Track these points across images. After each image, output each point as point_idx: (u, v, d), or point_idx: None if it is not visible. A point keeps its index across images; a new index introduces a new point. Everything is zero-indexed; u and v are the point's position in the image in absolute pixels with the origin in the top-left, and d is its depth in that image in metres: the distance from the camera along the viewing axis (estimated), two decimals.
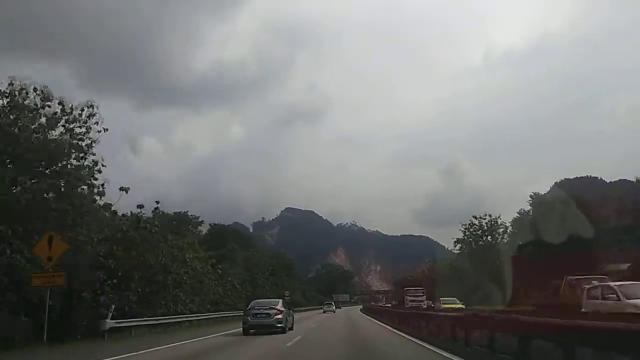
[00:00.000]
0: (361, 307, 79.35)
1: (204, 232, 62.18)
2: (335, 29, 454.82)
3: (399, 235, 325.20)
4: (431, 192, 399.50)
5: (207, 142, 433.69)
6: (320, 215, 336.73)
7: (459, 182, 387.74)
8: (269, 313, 21.72)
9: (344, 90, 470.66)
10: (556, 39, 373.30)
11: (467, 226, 69.21)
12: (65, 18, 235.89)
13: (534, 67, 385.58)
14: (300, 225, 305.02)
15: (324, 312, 59.99)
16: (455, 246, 71.87)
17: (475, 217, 69.59)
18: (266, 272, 60.38)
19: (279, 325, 21.52)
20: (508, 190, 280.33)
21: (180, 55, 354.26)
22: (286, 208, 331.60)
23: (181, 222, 49.66)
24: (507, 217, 74.81)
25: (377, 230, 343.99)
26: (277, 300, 24.37)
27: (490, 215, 69.13)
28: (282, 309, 22.71)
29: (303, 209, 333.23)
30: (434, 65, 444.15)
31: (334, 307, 67.80)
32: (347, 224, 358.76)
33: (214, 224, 71.47)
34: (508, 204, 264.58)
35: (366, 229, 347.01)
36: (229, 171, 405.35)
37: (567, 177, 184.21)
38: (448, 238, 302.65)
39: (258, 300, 24.94)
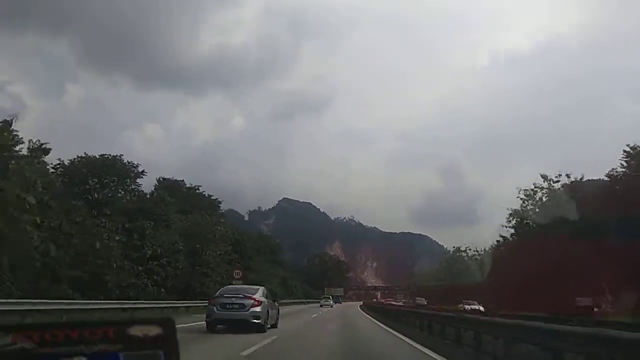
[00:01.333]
0: (361, 303, 75.11)
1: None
2: (343, 19, 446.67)
3: (397, 232, 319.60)
4: (431, 191, 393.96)
5: (206, 127, 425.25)
6: (318, 207, 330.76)
7: (459, 182, 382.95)
8: (242, 304, 15.85)
9: (349, 83, 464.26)
10: (562, 41, 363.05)
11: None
12: None
13: (538, 68, 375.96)
14: (297, 217, 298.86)
15: (321, 305, 58.05)
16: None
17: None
18: (220, 243, 42.32)
19: (255, 320, 15.88)
20: (505, 192, 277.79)
21: (184, 37, 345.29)
22: (284, 198, 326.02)
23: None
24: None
25: (375, 227, 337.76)
26: (257, 287, 18.20)
27: None
28: (262, 299, 16.67)
29: (301, 200, 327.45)
30: (440, 62, 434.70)
31: (331, 302, 64.55)
32: (344, 218, 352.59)
33: (163, 179, 53.01)
34: (506, 205, 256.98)
35: (364, 224, 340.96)
36: (227, 158, 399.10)
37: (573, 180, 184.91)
38: (447, 238, 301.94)
39: (230, 286, 18.96)
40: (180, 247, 35.66)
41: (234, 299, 16.15)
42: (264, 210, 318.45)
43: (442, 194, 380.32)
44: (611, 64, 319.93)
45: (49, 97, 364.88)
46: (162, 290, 31.76)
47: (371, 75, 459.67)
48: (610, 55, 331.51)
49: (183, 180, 55.10)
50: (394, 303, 64.62)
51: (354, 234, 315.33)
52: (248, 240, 65.93)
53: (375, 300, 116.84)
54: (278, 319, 19.14)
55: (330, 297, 69.10)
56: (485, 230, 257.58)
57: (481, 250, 74.30)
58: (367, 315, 35.15)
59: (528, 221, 46.98)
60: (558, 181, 46.58)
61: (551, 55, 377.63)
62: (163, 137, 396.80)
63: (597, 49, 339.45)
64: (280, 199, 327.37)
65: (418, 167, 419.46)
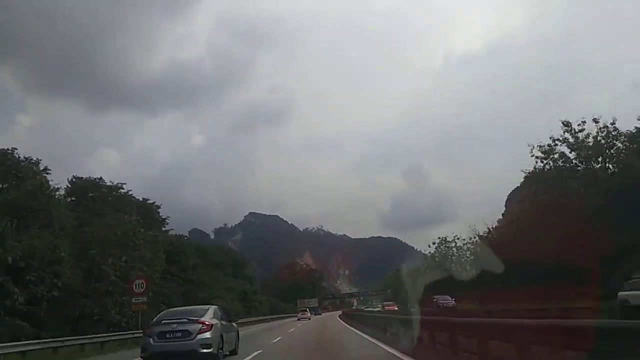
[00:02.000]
0: (339, 312, 72.43)
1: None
2: (297, 26, 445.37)
3: (367, 237, 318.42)
4: (398, 194, 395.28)
5: (164, 147, 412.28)
6: (285, 220, 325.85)
7: (425, 183, 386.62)
8: (187, 330, 12.17)
9: (308, 91, 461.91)
10: (513, 39, 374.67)
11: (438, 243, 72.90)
12: (8, 16, 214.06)
13: (491, 67, 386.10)
14: (265, 230, 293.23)
15: (298, 319, 57.33)
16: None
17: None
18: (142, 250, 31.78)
19: (205, 350, 12.39)
20: (471, 190, 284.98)
21: (134, 55, 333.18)
22: (250, 213, 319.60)
23: None
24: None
25: (344, 234, 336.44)
26: (206, 307, 14.50)
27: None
28: (213, 321, 13.05)
29: (268, 213, 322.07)
30: (398, 64, 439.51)
31: (308, 314, 63.68)
32: (313, 228, 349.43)
33: (76, 178, 39.76)
34: (471, 204, 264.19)
35: (333, 233, 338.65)
36: (188, 177, 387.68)
37: (539, 169, 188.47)
38: (417, 239, 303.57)
39: (171, 310, 15.35)
40: (63, 254, 24.47)
41: (175, 325, 12.60)
42: (230, 227, 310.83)
43: (409, 196, 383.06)
44: (564, 59, 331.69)
45: None
46: (25, 322, 20.97)
47: (331, 82, 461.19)
48: (562, 50, 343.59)
49: (102, 178, 40.81)
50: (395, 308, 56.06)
51: (324, 243, 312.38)
52: (202, 252, 60.55)
53: (354, 307, 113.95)
54: (238, 342, 15.63)
55: (307, 310, 67.43)
56: (455, 229, 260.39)
57: (473, 237, 63.42)
58: (355, 330, 26.29)
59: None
60: (582, 129, 37.63)
61: (503, 54, 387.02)
62: (119, 160, 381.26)
63: (548, 46, 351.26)
64: (246, 214, 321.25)
65: (384, 171, 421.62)
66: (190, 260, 46.86)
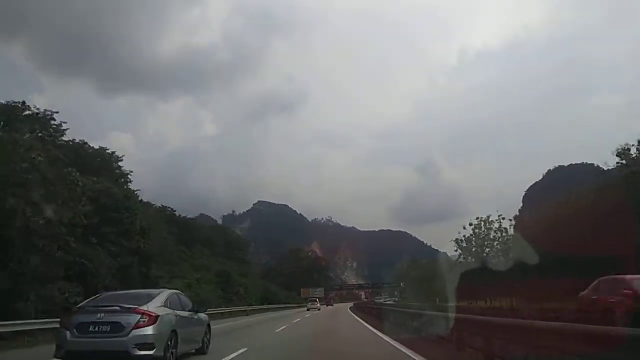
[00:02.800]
0: (351, 304, 68.94)
1: None
2: (313, 16, 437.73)
3: (376, 230, 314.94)
4: (408, 188, 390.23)
5: (173, 131, 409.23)
6: (294, 209, 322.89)
7: (436, 178, 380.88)
8: (118, 323, 8.18)
9: (321, 82, 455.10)
10: (529, 34, 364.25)
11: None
12: None
13: (507, 62, 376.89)
14: (273, 219, 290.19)
15: (308, 309, 55.52)
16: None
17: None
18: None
19: (142, 352, 8.68)
20: (482, 185, 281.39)
21: (148, 38, 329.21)
22: (258, 201, 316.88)
23: None
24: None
25: (353, 227, 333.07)
26: (156, 292, 10.65)
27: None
28: (159, 311, 9.13)
29: (277, 202, 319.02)
30: (413, 59, 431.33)
31: (318, 304, 60.86)
32: (322, 219, 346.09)
33: None
34: (483, 199, 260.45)
35: (342, 224, 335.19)
36: (198, 163, 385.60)
37: (560, 165, 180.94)
38: (426, 234, 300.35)
39: (111, 293, 11.61)
40: None
41: (101, 315, 8.75)
42: (238, 214, 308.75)
43: (419, 190, 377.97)
44: (580, 54, 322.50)
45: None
46: None
47: (344, 73, 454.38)
48: (578, 45, 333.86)
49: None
50: None
51: (332, 234, 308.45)
52: (180, 224, 56.22)
53: (366, 299, 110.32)
54: (208, 340, 11.78)
55: (317, 300, 64.49)
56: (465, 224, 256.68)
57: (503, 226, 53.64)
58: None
59: None
60: None
61: (519, 50, 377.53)
62: (129, 143, 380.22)
63: (564, 41, 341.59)
64: (255, 201, 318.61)
65: (395, 165, 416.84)
66: (136, 222, 32.49)
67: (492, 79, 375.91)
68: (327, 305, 69.53)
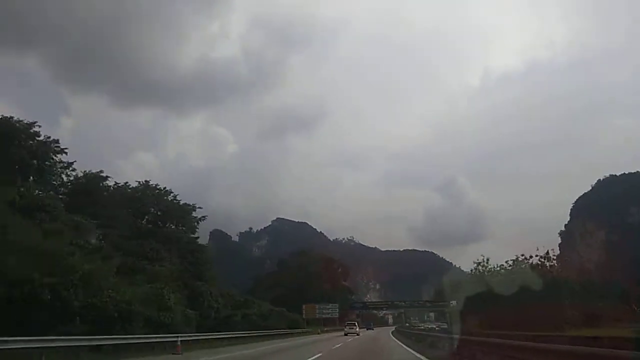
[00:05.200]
0: (392, 329, 65.12)
1: None
2: (332, 34, 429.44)
3: (401, 250, 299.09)
4: (431, 210, 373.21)
5: (190, 147, 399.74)
6: (314, 227, 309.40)
7: (459, 200, 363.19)
8: None
9: (338, 102, 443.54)
10: (553, 58, 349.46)
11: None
12: (34, 5, 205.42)
13: (529, 86, 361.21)
14: (293, 237, 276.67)
15: (346, 334, 50.81)
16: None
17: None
18: None
19: None
20: (506, 208, 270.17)
21: (163, 51, 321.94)
22: (277, 218, 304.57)
23: None
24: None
25: (376, 247, 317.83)
26: None
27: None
28: None
29: (296, 220, 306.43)
30: (432, 81, 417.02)
31: (357, 329, 53.99)
32: (344, 239, 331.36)
33: None
34: (506, 222, 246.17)
35: (364, 244, 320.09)
36: (213, 180, 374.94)
37: (612, 174, 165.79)
38: (454, 256, 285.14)
39: None
40: None
41: None
42: (255, 231, 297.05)
43: (443, 212, 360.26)
44: (603, 78, 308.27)
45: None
46: None
47: (362, 95, 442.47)
48: (602, 69, 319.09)
49: None
50: None
51: (355, 255, 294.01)
52: None
53: (390, 323, 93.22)
54: None
55: (356, 324, 57.03)
56: (491, 247, 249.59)
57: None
58: None
59: None
60: None
61: (541, 73, 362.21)
62: (145, 160, 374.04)
63: (587, 65, 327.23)
64: (274, 218, 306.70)
65: (417, 187, 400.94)
66: None
67: (515, 99, 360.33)
68: (368, 329, 64.40)
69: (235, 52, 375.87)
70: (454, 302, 75.05)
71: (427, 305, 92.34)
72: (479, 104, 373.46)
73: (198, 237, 56.17)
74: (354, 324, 54.87)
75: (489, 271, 59.16)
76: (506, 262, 58.95)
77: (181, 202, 54.77)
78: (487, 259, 61.69)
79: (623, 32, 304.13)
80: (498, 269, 58.97)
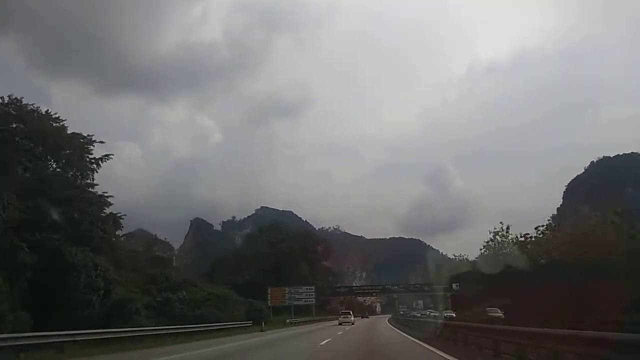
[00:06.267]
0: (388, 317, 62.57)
1: None
2: (318, 21, 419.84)
3: (387, 238, 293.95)
4: (418, 200, 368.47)
5: (171, 135, 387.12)
6: (299, 216, 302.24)
7: (446, 190, 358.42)
8: None
9: (324, 93, 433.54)
10: (540, 50, 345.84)
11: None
12: None
13: (516, 78, 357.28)
14: None
15: (340, 323, 49.32)
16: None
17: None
18: None
19: None
20: (493, 196, 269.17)
21: (144, 35, 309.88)
22: (261, 207, 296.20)
23: None
24: None
25: (362, 236, 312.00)
26: None
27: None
28: None
29: (281, 209, 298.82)
30: (418, 74, 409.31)
31: (352, 318, 52.85)
32: (329, 228, 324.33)
33: None
34: (495, 208, 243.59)
35: (350, 233, 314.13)
36: (196, 169, 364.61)
37: (606, 155, 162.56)
38: (440, 243, 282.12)
39: None
40: None
41: None
42: (239, 220, 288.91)
43: (429, 201, 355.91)
44: (590, 72, 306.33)
45: None
46: None
47: (348, 84, 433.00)
48: (589, 63, 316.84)
49: None
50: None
51: (340, 244, 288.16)
52: None
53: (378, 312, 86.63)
54: None
55: (351, 313, 55.16)
56: (476, 234, 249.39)
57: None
58: None
59: None
60: None
61: (529, 65, 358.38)
62: (128, 148, 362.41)
63: (575, 58, 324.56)
64: (258, 207, 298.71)
65: (404, 176, 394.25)
66: None
67: (502, 90, 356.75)
68: (363, 318, 63.90)
69: (216, 36, 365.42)
70: (456, 285, 69.68)
71: (424, 290, 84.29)
72: (466, 97, 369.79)
73: (97, 185, 37.20)
74: (349, 313, 53.92)
75: (509, 242, 55.04)
76: (524, 234, 54.98)
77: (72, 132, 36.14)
78: (508, 227, 58.59)
79: (615, 22, 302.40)
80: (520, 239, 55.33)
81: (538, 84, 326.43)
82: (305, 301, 60.82)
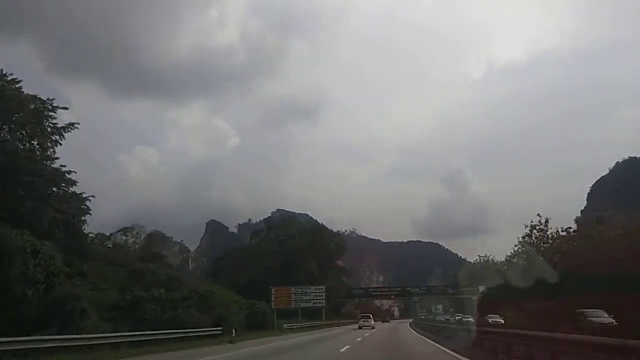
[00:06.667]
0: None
1: None
2: (335, 21, 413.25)
3: (404, 241, 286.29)
4: (435, 203, 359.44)
5: (188, 139, 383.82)
6: (315, 219, 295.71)
7: (464, 193, 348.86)
8: None
9: (340, 92, 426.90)
10: (557, 51, 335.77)
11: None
12: None
13: (533, 78, 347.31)
14: None
15: (360, 327, 48.26)
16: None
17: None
18: None
19: None
20: (511, 198, 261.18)
21: (160, 39, 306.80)
22: (277, 209, 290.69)
23: None
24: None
25: (379, 239, 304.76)
26: None
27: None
28: None
29: (297, 212, 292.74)
30: (433, 76, 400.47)
31: (372, 322, 51.53)
32: (345, 231, 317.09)
33: None
34: (511, 213, 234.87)
35: (367, 236, 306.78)
36: (213, 172, 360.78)
37: (632, 156, 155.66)
38: (457, 247, 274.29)
39: None
40: None
41: None
42: (254, 222, 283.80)
43: (447, 205, 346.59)
44: (606, 72, 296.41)
45: None
46: None
47: (363, 88, 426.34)
48: (605, 64, 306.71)
49: None
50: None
51: (357, 247, 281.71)
52: None
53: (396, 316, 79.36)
54: None
55: (371, 317, 52.80)
56: (496, 240, 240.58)
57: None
58: None
59: None
60: None
61: (546, 66, 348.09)
62: (145, 152, 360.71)
63: (591, 59, 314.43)
64: (274, 210, 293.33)
65: (421, 179, 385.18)
66: None
67: (520, 91, 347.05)
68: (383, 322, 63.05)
69: (233, 39, 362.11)
70: (482, 288, 62.80)
71: (448, 292, 76.63)
72: (482, 99, 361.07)
73: (57, 158, 31.19)
74: (369, 317, 52.37)
75: (548, 238, 49.55)
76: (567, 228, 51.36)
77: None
78: (547, 220, 54.07)
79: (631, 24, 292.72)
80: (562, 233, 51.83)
81: (555, 84, 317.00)
82: (314, 303, 53.84)
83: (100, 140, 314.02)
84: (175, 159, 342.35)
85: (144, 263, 41.92)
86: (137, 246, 57.51)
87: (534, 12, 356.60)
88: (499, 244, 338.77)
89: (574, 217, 68.24)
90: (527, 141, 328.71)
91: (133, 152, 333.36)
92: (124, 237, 56.67)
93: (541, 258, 45.32)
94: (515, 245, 56.67)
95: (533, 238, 53.68)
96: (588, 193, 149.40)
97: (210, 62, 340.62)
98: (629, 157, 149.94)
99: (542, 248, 50.94)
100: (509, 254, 60.31)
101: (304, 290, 55.23)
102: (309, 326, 50.85)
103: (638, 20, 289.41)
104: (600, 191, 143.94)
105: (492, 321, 36.31)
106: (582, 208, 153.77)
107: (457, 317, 50.71)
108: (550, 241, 52.76)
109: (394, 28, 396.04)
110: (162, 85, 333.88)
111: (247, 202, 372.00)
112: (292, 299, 53.18)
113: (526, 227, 54.88)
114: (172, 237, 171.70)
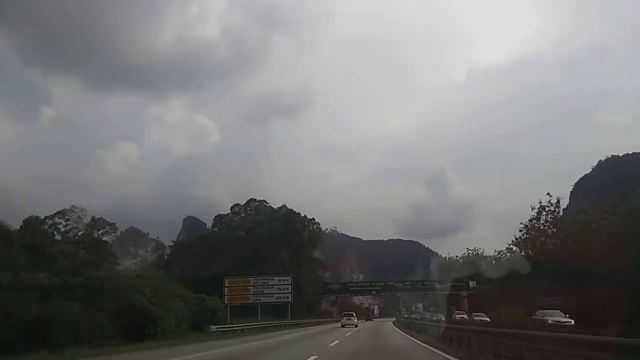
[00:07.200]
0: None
1: None
2: (316, 21, 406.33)
3: (385, 240, 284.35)
4: (416, 204, 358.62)
5: (168, 133, 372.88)
6: (291, 208, 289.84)
7: (444, 193, 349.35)
8: None
9: (325, 92, 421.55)
10: (539, 56, 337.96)
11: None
12: None
13: (515, 83, 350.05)
14: None
15: (342, 325, 46.47)
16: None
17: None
18: None
19: None
20: (493, 200, 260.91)
21: (140, 32, 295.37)
22: (251, 198, 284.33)
23: None
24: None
25: (360, 237, 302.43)
26: None
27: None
28: None
29: (275, 206, 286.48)
30: (416, 79, 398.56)
31: (355, 320, 50.49)
32: (326, 229, 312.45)
33: None
34: (492, 214, 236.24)
35: (348, 235, 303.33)
36: (195, 170, 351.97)
37: (614, 154, 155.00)
38: (436, 245, 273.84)
39: None
40: None
41: None
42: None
43: (428, 205, 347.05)
44: (589, 77, 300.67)
45: None
46: None
47: (347, 88, 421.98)
48: (588, 69, 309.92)
49: None
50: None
51: (337, 246, 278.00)
52: None
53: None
54: None
55: (354, 315, 52.45)
56: (476, 237, 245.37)
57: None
58: None
59: None
60: None
61: (529, 71, 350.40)
62: (125, 146, 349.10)
63: (576, 64, 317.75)
64: (249, 198, 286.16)
65: (402, 181, 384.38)
66: None
67: (501, 95, 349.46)
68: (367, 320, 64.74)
69: (214, 33, 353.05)
70: (473, 283, 57.98)
71: (435, 287, 71.44)
72: (465, 102, 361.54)
73: None
74: (352, 315, 52.03)
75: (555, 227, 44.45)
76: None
77: None
78: (558, 200, 50.55)
79: (612, 28, 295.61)
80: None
81: (537, 88, 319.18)
82: (278, 298, 46.65)
83: (80, 134, 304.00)
84: (155, 154, 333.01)
85: (78, 249, 35.09)
86: (78, 232, 50.81)
87: (518, 16, 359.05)
88: (479, 244, 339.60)
89: (558, 216, 63.44)
90: (509, 143, 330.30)
91: (113, 147, 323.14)
92: (60, 221, 49.85)
93: (551, 247, 40.11)
94: (520, 231, 49.68)
95: (541, 221, 47.62)
96: (571, 191, 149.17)
97: (193, 57, 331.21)
98: (612, 155, 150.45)
99: (551, 234, 45.05)
100: (508, 243, 54.93)
101: (266, 282, 47.33)
102: (263, 326, 40.71)
103: (621, 24, 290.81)
104: (583, 189, 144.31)
105: (478, 320, 36.61)
106: (565, 207, 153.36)
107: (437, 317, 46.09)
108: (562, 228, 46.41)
109: (378, 29, 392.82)
110: (142, 80, 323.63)
111: (228, 199, 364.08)
112: (251, 292, 46.00)
113: (533, 209, 48.83)
114: (147, 234, 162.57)
